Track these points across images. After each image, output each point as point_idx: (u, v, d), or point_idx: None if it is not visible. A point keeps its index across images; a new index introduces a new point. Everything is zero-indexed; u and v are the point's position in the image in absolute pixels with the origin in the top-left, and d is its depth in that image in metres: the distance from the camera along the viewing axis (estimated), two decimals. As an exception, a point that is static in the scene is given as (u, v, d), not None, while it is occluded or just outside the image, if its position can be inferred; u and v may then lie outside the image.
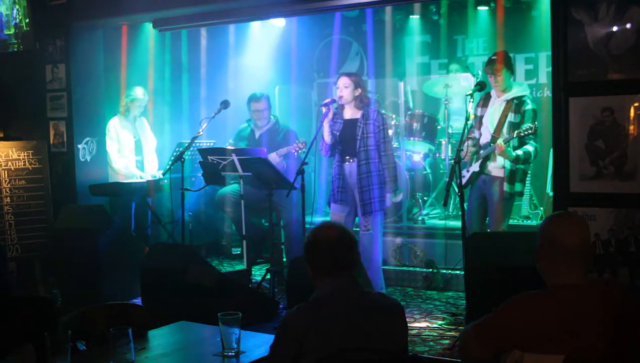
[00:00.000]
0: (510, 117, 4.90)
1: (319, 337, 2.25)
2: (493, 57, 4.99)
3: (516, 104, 4.90)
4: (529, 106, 4.87)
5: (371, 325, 2.34)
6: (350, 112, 5.29)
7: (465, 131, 4.71)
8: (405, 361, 2.50)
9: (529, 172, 5.65)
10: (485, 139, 5.05)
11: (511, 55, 7.21)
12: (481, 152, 5.03)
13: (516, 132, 4.76)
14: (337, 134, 5.28)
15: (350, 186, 5.28)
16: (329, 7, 5.85)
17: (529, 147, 4.85)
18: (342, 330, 2.29)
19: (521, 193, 5.12)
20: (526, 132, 4.71)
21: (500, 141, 4.79)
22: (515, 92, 4.95)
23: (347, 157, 5.27)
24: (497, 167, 4.96)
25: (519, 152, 4.83)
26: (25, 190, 5.98)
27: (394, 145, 6.85)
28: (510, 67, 5.02)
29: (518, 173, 4.91)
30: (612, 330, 2.11)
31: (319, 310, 2.33)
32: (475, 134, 5.14)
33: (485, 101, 5.11)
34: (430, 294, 5.63)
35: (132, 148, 6.43)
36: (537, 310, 2.16)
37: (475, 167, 5.06)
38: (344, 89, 5.19)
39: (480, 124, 5.10)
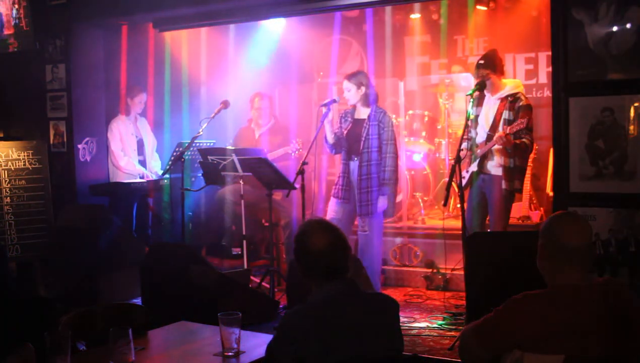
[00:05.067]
0: (505, 114, 4.90)
1: (319, 341, 2.24)
2: (480, 62, 4.96)
3: (510, 102, 4.90)
4: (522, 102, 4.86)
5: (370, 329, 2.33)
6: (360, 112, 5.30)
7: (465, 131, 4.71)
8: (405, 361, 2.50)
9: (526, 169, 5.64)
10: (481, 138, 5.05)
11: (511, 55, 7.25)
12: (479, 151, 5.03)
13: (509, 128, 4.76)
14: (345, 132, 5.29)
15: (352, 185, 5.28)
16: (329, 7, 5.85)
17: (525, 140, 4.86)
18: (342, 334, 2.28)
19: (520, 191, 5.13)
20: (517, 127, 4.71)
21: (499, 132, 4.80)
22: (508, 89, 4.94)
23: (352, 155, 5.28)
24: (495, 165, 4.96)
25: (517, 141, 4.83)
26: (25, 190, 5.98)
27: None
28: (497, 67, 4.97)
29: (516, 170, 4.91)
30: (612, 330, 2.11)
31: (318, 313, 2.31)
32: (472, 134, 5.14)
33: (479, 100, 5.09)
34: (430, 294, 5.63)
35: (134, 148, 6.44)
36: (538, 310, 2.16)
37: (473, 166, 5.06)
38: (346, 92, 5.21)
39: (476, 123, 5.10)
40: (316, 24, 8.20)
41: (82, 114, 6.29)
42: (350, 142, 5.28)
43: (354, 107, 5.31)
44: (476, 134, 5.10)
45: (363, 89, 5.20)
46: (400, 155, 6.61)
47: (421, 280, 5.85)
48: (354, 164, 5.26)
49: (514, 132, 4.75)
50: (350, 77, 5.28)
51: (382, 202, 5.21)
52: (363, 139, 5.18)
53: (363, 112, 5.27)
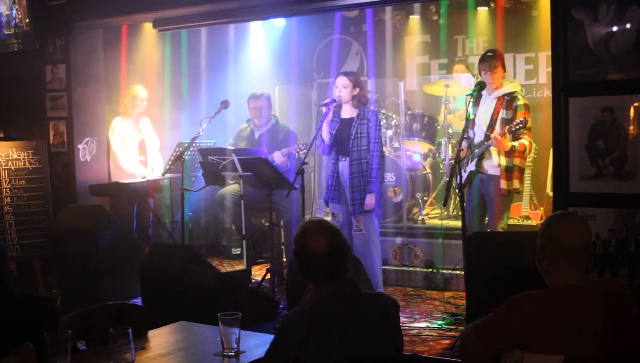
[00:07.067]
0: (503, 113, 4.89)
1: (319, 343, 2.24)
2: (489, 54, 4.98)
3: (507, 101, 4.90)
4: (520, 102, 4.86)
5: (371, 329, 2.33)
6: (347, 112, 5.29)
7: (465, 131, 4.71)
8: (405, 361, 2.50)
9: (526, 169, 5.64)
10: (479, 138, 5.04)
11: (511, 55, 7.26)
12: (476, 151, 5.03)
13: (507, 127, 4.76)
14: (333, 132, 5.28)
15: (343, 185, 5.28)
16: (329, 7, 5.85)
17: (524, 141, 4.85)
18: (342, 335, 2.27)
19: (519, 190, 5.12)
20: (517, 126, 4.71)
21: (495, 133, 4.79)
22: (506, 88, 4.94)
23: (341, 156, 5.28)
24: (493, 165, 4.96)
25: (515, 143, 4.83)
26: (25, 190, 5.98)
27: (394, 145, 6.87)
28: (504, 64, 5.01)
29: (514, 170, 4.91)
30: (612, 330, 2.11)
31: (319, 314, 2.31)
32: (470, 134, 5.13)
33: (476, 100, 5.08)
34: (430, 294, 5.63)
35: (135, 147, 6.44)
36: (537, 310, 2.16)
37: (471, 166, 5.06)
38: (342, 89, 5.19)
39: (474, 123, 5.09)
40: (316, 24, 8.22)
41: (82, 114, 6.29)
42: (338, 142, 5.28)
43: (340, 106, 5.30)
44: (474, 133, 5.10)
45: (357, 89, 5.21)
46: (400, 155, 6.64)
47: (421, 280, 5.85)
48: (343, 164, 5.26)
49: (512, 132, 4.75)
50: (347, 73, 5.29)
51: (369, 200, 5.18)
52: (352, 137, 5.17)
53: (351, 112, 5.27)
